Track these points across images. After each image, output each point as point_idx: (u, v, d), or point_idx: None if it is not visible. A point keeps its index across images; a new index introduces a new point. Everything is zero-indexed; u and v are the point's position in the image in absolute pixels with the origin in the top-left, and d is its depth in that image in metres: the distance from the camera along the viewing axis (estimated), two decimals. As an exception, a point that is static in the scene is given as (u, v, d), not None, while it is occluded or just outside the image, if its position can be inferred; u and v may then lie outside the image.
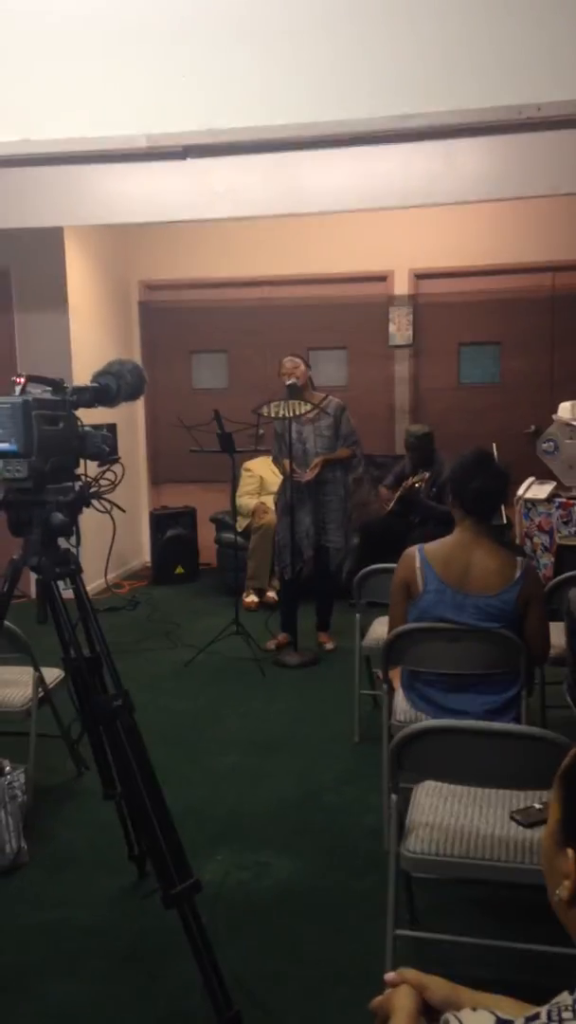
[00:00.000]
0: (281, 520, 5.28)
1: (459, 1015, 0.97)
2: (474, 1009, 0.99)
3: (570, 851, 0.95)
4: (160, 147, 2.94)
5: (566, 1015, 0.86)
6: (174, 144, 2.93)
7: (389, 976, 1.16)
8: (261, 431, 5.17)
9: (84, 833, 3.19)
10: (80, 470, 2.24)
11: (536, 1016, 0.89)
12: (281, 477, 5.30)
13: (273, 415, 4.99)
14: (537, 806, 2.26)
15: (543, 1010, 0.89)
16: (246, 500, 6.63)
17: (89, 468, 2.26)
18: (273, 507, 5.70)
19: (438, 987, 1.12)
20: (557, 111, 2.73)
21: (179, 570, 7.23)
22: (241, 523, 6.51)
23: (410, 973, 1.14)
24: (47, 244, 6.24)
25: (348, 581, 4.08)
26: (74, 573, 2.20)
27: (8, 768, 3.05)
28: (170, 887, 2.09)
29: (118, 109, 3.00)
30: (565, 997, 0.89)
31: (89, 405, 2.21)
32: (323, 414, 5.10)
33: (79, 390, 2.19)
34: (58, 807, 3.41)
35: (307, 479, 5.06)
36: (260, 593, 6.40)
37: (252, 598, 6.35)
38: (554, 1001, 0.90)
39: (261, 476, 6.69)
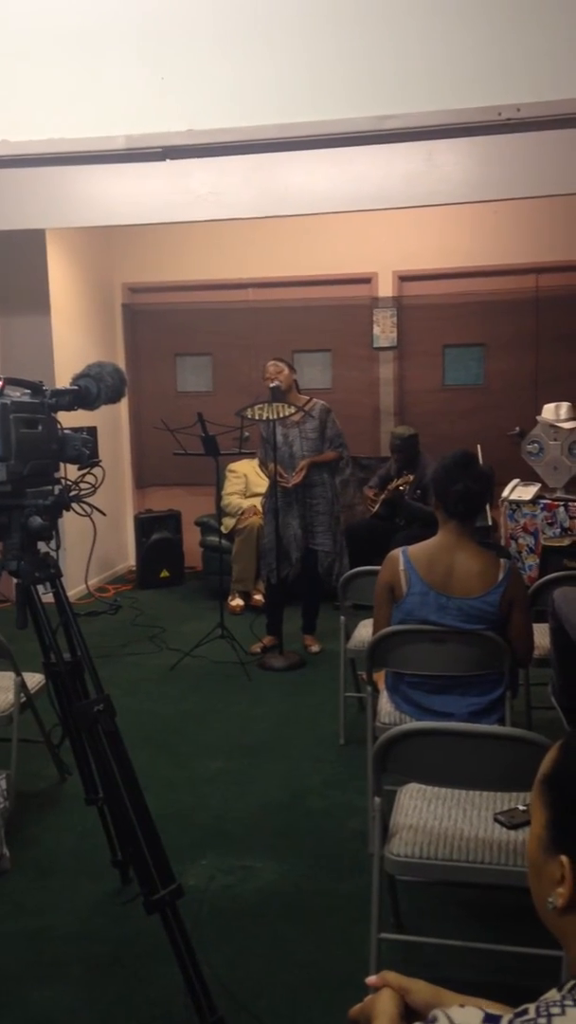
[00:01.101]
0: (267, 523, 5.28)
1: (448, 1011, 0.96)
2: (462, 1006, 0.98)
3: (563, 858, 0.93)
4: (139, 148, 2.92)
5: (554, 1011, 0.86)
6: (153, 145, 2.92)
7: (371, 979, 1.15)
8: (246, 434, 5.16)
9: (67, 839, 3.17)
10: (60, 473, 2.22)
11: (524, 1012, 0.88)
12: (268, 480, 5.30)
13: (257, 418, 4.98)
14: (521, 808, 2.26)
15: (532, 1006, 0.89)
16: (236, 500, 6.62)
17: (69, 471, 2.25)
18: (262, 510, 5.69)
19: (420, 990, 1.12)
20: (537, 112, 2.73)
21: (164, 574, 7.21)
22: (227, 524, 6.50)
23: (392, 976, 1.14)
24: (29, 246, 6.22)
25: (331, 588, 4.07)
26: (54, 577, 2.19)
27: (-10, 774, 3.03)
28: (152, 893, 2.07)
29: (96, 110, 2.99)
30: (553, 994, 0.89)
31: (69, 408, 2.19)
32: (308, 417, 5.10)
33: (58, 393, 2.17)
34: (41, 813, 3.39)
35: (294, 483, 5.05)
36: (246, 596, 6.39)
37: (238, 601, 6.34)
38: (543, 998, 0.90)
39: (246, 476, 6.69)
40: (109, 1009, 2.31)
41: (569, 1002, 0.87)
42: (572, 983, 0.90)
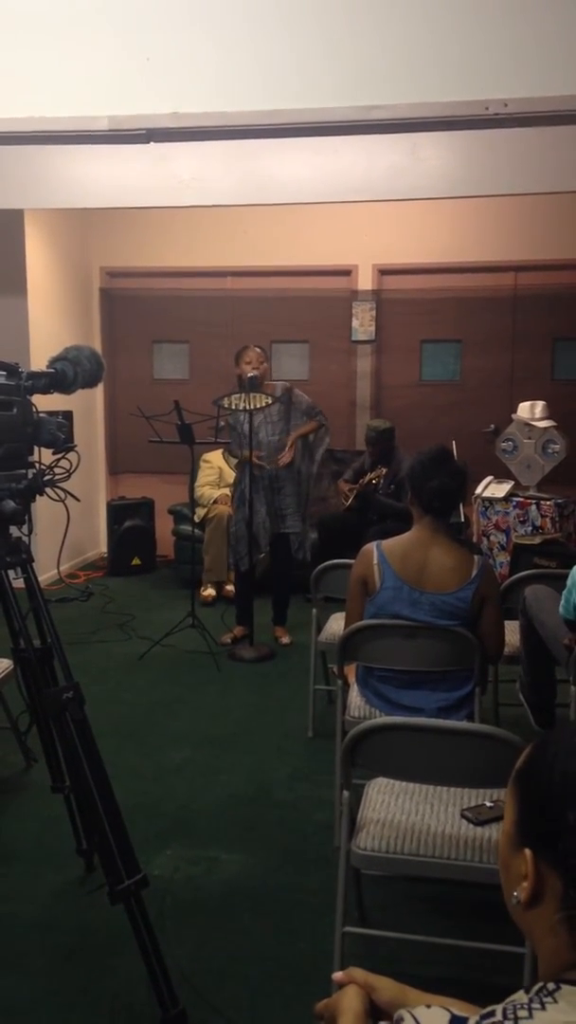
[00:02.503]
0: (237, 511, 5.27)
1: (414, 1012, 0.96)
2: (428, 1006, 0.98)
3: (527, 852, 0.94)
4: (122, 130, 2.88)
5: (521, 1013, 0.86)
6: (137, 127, 2.88)
7: (337, 975, 1.14)
8: (222, 423, 5.14)
9: (31, 827, 3.15)
10: (34, 457, 2.19)
11: (491, 1013, 0.88)
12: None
13: (234, 407, 4.95)
14: (488, 804, 2.26)
15: (498, 1008, 0.88)
16: (208, 491, 6.60)
17: (44, 456, 2.21)
18: (231, 498, 5.69)
19: (386, 988, 1.11)
20: (524, 108, 2.72)
21: (136, 561, 7.17)
22: (200, 514, 6.47)
23: (358, 973, 1.13)
24: (6, 227, 6.14)
25: (309, 569, 4.05)
26: (25, 562, 2.16)
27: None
28: (117, 882, 2.06)
29: (79, 89, 2.94)
30: (521, 995, 0.89)
31: (45, 391, 2.16)
32: (271, 406, 5.08)
33: (34, 375, 2.14)
34: (5, 800, 3.36)
35: (284, 461, 5.07)
36: (218, 587, 6.37)
37: (210, 591, 6.32)
38: (509, 999, 0.89)
39: (220, 467, 6.66)
40: (70, 999, 2.29)
41: (536, 1004, 0.87)
42: (539, 986, 0.89)
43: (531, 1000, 0.88)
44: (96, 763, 2.10)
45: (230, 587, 6.18)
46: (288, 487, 5.19)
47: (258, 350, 5.10)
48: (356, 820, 2.25)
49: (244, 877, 2.85)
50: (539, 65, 2.73)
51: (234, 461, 5.39)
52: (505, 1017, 0.87)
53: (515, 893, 0.95)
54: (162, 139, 2.98)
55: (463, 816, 2.24)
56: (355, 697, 3.00)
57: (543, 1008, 0.86)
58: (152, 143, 2.96)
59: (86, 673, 4.52)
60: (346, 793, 2.27)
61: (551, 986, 0.88)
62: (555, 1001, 0.86)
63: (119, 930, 2.22)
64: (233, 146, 3.60)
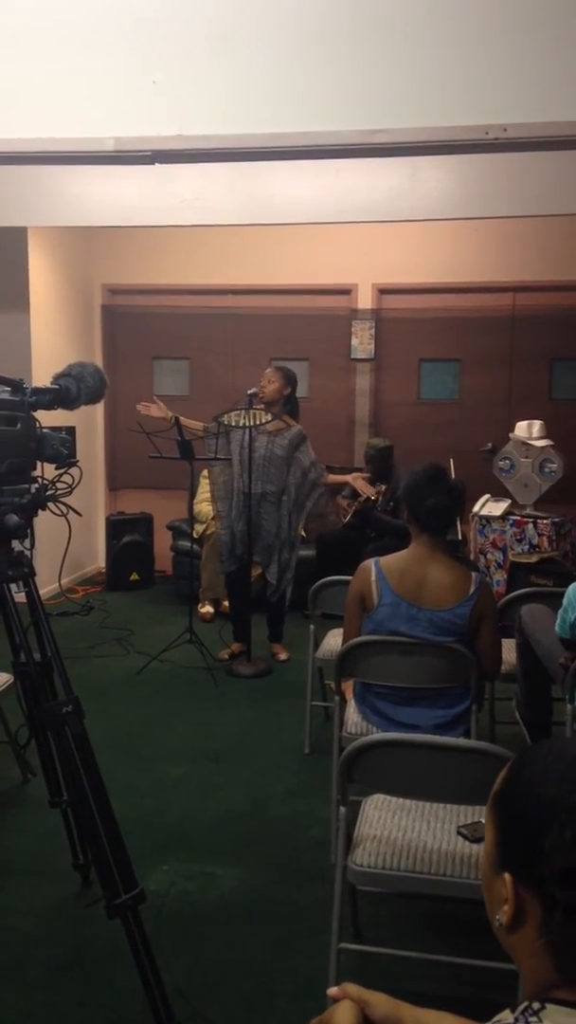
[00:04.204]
0: (221, 520, 5.26)
1: None
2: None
3: (507, 876, 0.94)
4: (128, 151, 2.93)
5: None
6: (142, 148, 2.92)
7: (332, 991, 1.15)
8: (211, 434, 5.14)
9: (28, 840, 3.15)
10: (37, 472, 2.22)
11: None
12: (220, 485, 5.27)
13: (234, 424, 4.97)
14: (483, 821, 2.27)
15: None
16: (206, 507, 6.60)
17: (46, 470, 2.24)
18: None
19: (380, 1003, 1.12)
20: (524, 133, 2.77)
21: (134, 576, 7.18)
22: (198, 530, 6.49)
23: (352, 988, 1.14)
24: (10, 244, 6.19)
25: (306, 586, 4.06)
26: (27, 576, 2.18)
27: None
28: (114, 897, 2.06)
29: (86, 110, 2.98)
30: (507, 1015, 0.89)
31: (49, 407, 2.19)
32: (284, 433, 5.06)
33: (39, 391, 2.16)
34: (2, 814, 3.37)
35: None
36: (216, 604, 6.37)
37: (208, 609, 6.33)
38: (496, 1019, 0.90)
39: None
40: (66, 1012, 2.29)
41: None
42: (524, 1005, 0.89)
43: (516, 1019, 0.88)
44: (95, 777, 2.12)
45: (227, 603, 6.19)
46: (269, 524, 5.08)
47: (270, 371, 5.11)
48: (352, 836, 2.27)
49: (240, 892, 2.86)
50: (538, 92, 2.78)
51: (220, 479, 5.28)
52: None
53: (497, 916, 0.95)
54: (167, 160, 3.02)
55: (459, 833, 2.25)
56: (352, 713, 3.01)
57: None
58: (157, 164, 3.00)
59: (84, 688, 4.51)
60: (343, 809, 2.28)
61: (536, 1005, 0.88)
62: (540, 1020, 0.87)
63: (115, 944, 2.23)
64: (236, 167, 3.64)
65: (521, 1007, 0.89)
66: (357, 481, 5.43)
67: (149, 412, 5.14)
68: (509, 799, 0.97)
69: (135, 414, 5.35)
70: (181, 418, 5.13)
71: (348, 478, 5.51)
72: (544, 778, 0.94)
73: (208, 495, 6.66)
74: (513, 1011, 0.89)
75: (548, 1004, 0.88)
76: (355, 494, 6.09)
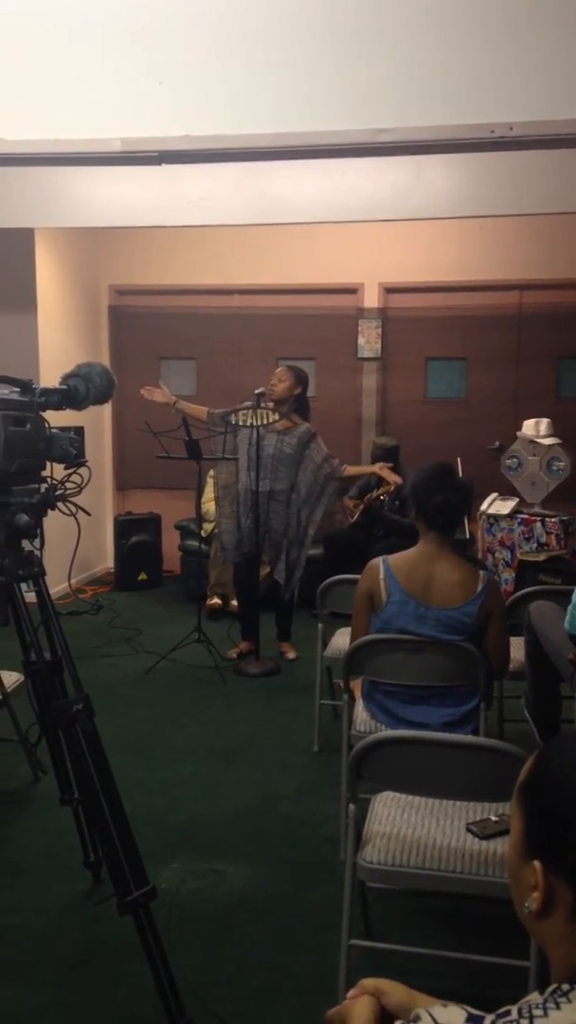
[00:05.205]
0: (223, 515, 5.23)
1: (431, 1010, 0.98)
2: (445, 1005, 1.00)
3: (536, 863, 0.95)
4: (135, 151, 2.94)
5: (536, 1012, 0.88)
6: (149, 149, 2.93)
7: (350, 993, 1.16)
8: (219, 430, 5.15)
9: (39, 839, 3.16)
10: (46, 472, 2.23)
11: (507, 1012, 0.90)
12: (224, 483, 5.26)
13: (242, 423, 4.98)
14: (493, 818, 2.28)
15: (513, 1008, 0.90)
16: (213, 506, 6.61)
17: (55, 471, 2.25)
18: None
19: (395, 991, 1.13)
20: (529, 131, 2.77)
21: (142, 576, 7.20)
22: (206, 529, 6.50)
23: (368, 981, 1.15)
24: (17, 245, 6.21)
25: (313, 586, 4.07)
26: (37, 576, 2.19)
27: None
28: (126, 894, 2.08)
29: (94, 112, 3.00)
30: (536, 996, 0.91)
31: (57, 407, 2.20)
32: (293, 432, 5.06)
33: (47, 392, 2.17)
34: (13, 812, 3.38)
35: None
36: (224, 598, 6.38)
37: (215, 600, 6.33)
38: (525, 1000, 0.91)
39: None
40: (78, 1010, 2.30)
41: (551, 1004, 0.89)
42: (554, 987, 0.91)
43: (546, 1000, 0.89)
44: (105, 774, 2.13)
45: (235, 602, 6.20)
46: (276, 522, 5.07)
47: (281, 370, 5.12)
48: (362, 833, 2.27)
49: (250, 890, 2.87)
50: (543, 90, 2.78)
51: (224, 477, 5.25)
52: (520, 1016, 0.89)
53: (526, 904, 0.97)
54: (174, 161, 3.04)
55: (468, 830, 2.26)
56: (361, 711, 3.02)
57: (558, 1008, 0.88)
58: (164, 164, 3.01)
59: (92, 687, 4.50)
60: (352, 806, 2.29)
61: (565, 987, 0.90)
62: (570, 1001, 0.88)
63: (126, 942, 2.24)
64: (242, 167, 3.65)
65: (550, 989, 0.91)
66: (383, 470, 5.40)
67: (153, 397, 5.13)
68: (538, 788, 0.99)
69: (143, 414, 5.36)
70: (183, 403, 5.14)
71: (375, 468, 5.49)
72: (573, 767, 0.95)
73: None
74: (541, 993, 0.91)
75: None
76: (362, 493, 6.10)
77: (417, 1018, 0.96)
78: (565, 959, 0.94)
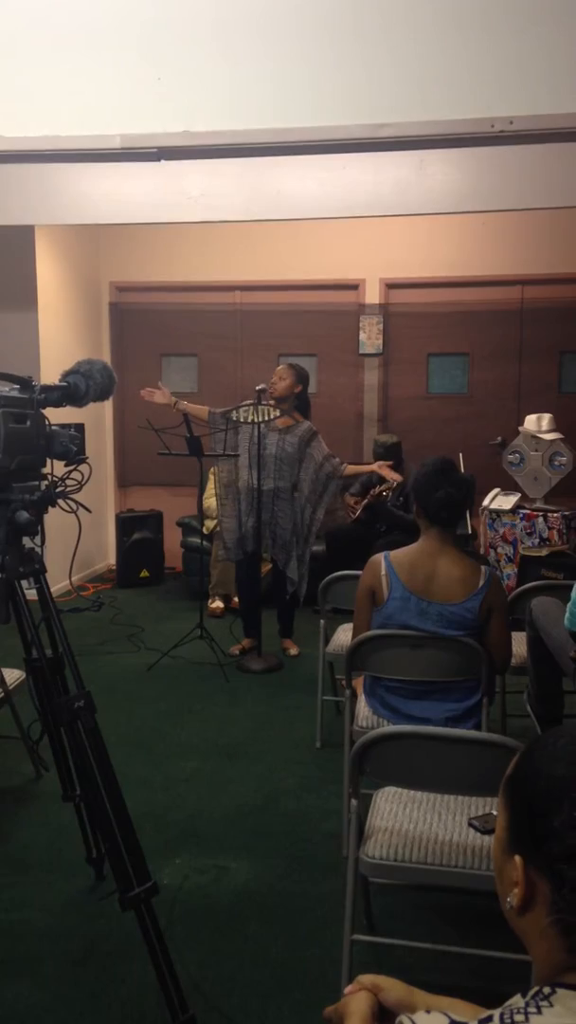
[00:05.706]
0: (223, 507, 5.21)
1: (413, 1017, 0.98)
2: (428, 1011, 0.99)
3: (517, 858, 0.95)
4: (134, 148, 2.93)
5: (518, 1017, 0.87)
6: (149, 145, 2.93)
7: (348, 989, 1.16)
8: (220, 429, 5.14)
9: (41, 835, 3.17)
10: (46, 469, 2.23)
11: (489, 1019, 0.89)
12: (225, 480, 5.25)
13: (243, 420, 4.98)
14: (495, 813, 2.27)
15: (496, 1013, 0.89)
16: (214, 503, 6.61)
17: (56, 468, 2.25)
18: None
19: (393, 988, 1.13)
20: (530, 125, 2.77)
21: (144, 573, 7.21)
22: (208, 526, 6.51)
23: (366, 977, 1.15)
24: (17, 242, 6.21)
25: (315, 583, 4.07)
26: (38, 573, 2.19)
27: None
28: (128, 890, 2.08)
29: (92, 108, 2.99)
30: (518, 1000, 0.90)
31: (58, 404, 2.19)
32: (294, 429, 5.06)
33: (47, 388, 2.17)
34: (16, 809, 3.38)
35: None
36: (226, 599, 6.38)
37: (218, 604, 6.34)
38: (507, 1004, 0.90)
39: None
40: (81, 1006, 2.31)
41: (533, 1009, 0.87)
42: (535, 990, 0.90)
43: (527, 1004, 0.88)
44: (107, 770, 2.13)
45: (237, 599, 6.21)
46: (284, 519, 5.05)
47: (282, 368, 5.11)
48: (364, 829, 2.27)
49: (253, 885, 2.87)
50: (544, 84, 2.77)
51: (225, 476, 5.23)
52: (502, 1021, 0.88)
53: (508, 899, 0.96)
54: (173, 157, 3.03)
55: (470, 825, 2.26)
56: (363, 707, 3.02)
57: (539, 1012, 0.87)
58: (163, 161, 3.01)
59: (94, 684, 4.52)
60: (354, 802, 2.29)
61: (547, 990, 0.89)
62: (551, 1005, 0.87)
63: (129, 938, 2.25)
64: (242, 163, 3.64)
65: (532, 992, 0.90)
66: (383, 469, 5.39)
67: (153, 398, 5.13)
68: (520, 781, 0.99)
69: (144, 411, 5.36)
70: (184, 403, 5.13)
71: (373, 466, 5.48)
72: (554, 759, 0.95)
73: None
74: (524, 995, 0.90)
75: (559, 989, 0.89)
76: (364, 490, 6.09)
77: None
78: (546, 956, 0.93)
